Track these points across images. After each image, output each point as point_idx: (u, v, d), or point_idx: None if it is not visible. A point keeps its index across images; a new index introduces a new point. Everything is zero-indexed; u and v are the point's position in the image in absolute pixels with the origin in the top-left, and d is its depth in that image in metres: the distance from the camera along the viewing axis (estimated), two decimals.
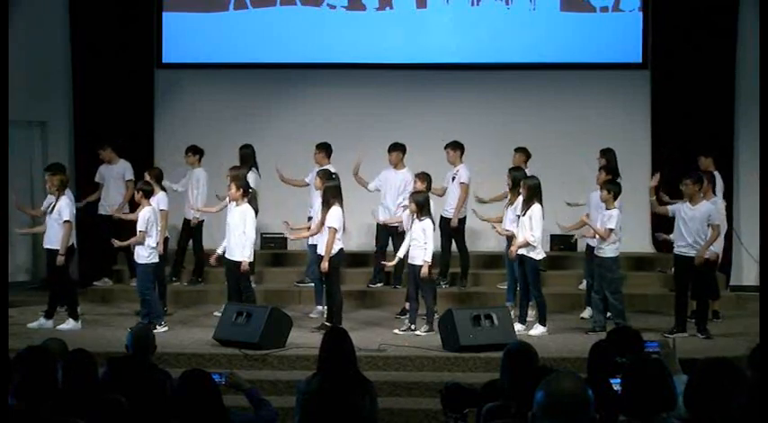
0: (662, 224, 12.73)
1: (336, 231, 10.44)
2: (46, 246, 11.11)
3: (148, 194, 10.90)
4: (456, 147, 12.37)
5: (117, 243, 11.09)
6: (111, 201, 12.98)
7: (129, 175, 12.98)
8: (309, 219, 11.82)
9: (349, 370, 5.99)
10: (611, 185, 10.72)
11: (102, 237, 12.51)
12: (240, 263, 10.62)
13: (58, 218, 10.83)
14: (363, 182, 12.37)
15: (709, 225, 10.49)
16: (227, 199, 11.19)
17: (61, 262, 10.81)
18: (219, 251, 10.87)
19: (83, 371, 5.41)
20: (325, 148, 12.41)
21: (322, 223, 10.63)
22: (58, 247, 10.83)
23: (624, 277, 11.55)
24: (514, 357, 5.38)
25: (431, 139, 12.97)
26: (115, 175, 13.07)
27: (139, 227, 10.73)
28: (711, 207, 10.63)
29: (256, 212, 10.93)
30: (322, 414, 5.79)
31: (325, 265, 10.48)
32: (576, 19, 13.89)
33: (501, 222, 11.31)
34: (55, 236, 10.89)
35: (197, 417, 4.90)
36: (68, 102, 14.09)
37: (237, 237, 10.60)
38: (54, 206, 10.88)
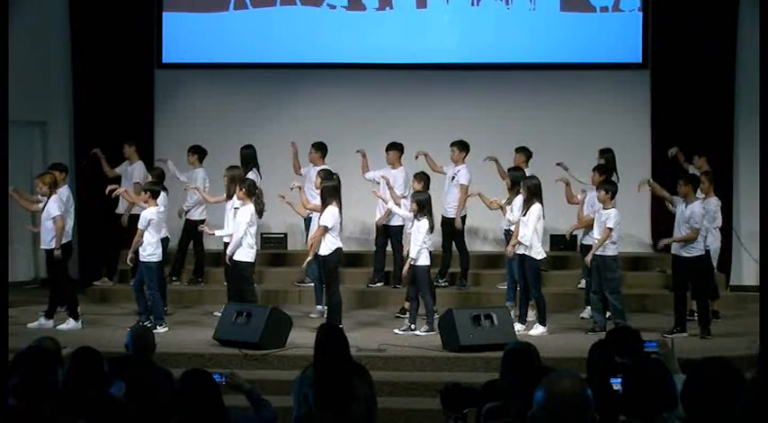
0: (661, 223, 12.78)
1: (327, 229, 10.46)
2: (42, 246, 11.20)
3: (156, 194, 10.94)
4: (462, 146, 12.36)
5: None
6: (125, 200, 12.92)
7: (137, 177, 12.91)
8: (309, 219, 11.82)
9: (343, 358, 6.00)
10: (608, 186, 10.74)
11: (111, 235, 12.61)
12: (243, 263, 10.65)
13: (47, 216, 10.89)
14: (366, 166, 12.36)
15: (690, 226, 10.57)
16: (225, 197, 11.32)
17: (58, 255, 10.85)
18: (218, 233, 11.06)
19: (88, 369, 5.45)
20: (321, 148, 12.43)
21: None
22: (52, 247, 10.89)
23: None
24: (514, 357, 5.38)
25: (430, 139, 12.97)
26: (129, 175, 13.04)
27: (139, 225, 10.78)
28: (695, 208, 10.59)
29: (261, 212, 11.01)
30: (320, 399, 5.82)
31: (306, 261, 10.78)
32: (575, 19, 13.90)
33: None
34: (48, 236, 10.94)
35: (197, 416, 4.90)
36: (68, 102, 14.10)
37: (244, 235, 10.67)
38: (44, 206, 10.94)
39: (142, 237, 10.72)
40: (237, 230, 10.63)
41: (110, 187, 11.78)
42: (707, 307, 10.76)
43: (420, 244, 10.57)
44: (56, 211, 10.85)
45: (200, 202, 12.52)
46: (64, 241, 11.03)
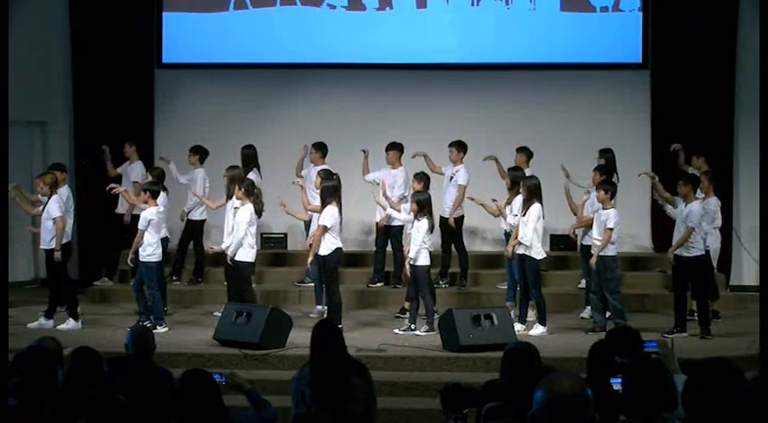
0: (660, 224, 12.79)
1: (326, 229, 10.47)
2: (41, 246, 11.21)
3: (155, 194, 10.93)
4: (460, 147, 12.36)
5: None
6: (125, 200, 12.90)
7: (135, 177, 12.94)
8: (309, 219, 11.82)
9: (340, 354, 5.99)
10: (607, 186, 10.73)
11: (111, 235, 12.60)
12: (244, 263, 10.66)
13: (48, 216, 10.89)
14: (366, 168, 12.35)
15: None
16: (225, 198, 11.31)
17: (58, 258, 10.85)
18: (223, 246, 10.89)
19: (88, 369, 5.45)
20: (321, 148, 12.43)
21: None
22: (52, 247, 10.89)
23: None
24: (514, 357, 5.38)
25: (430, 139, 12.97)
26: (129, 174, 13.06)
27: (140, 226, 10.79)
28: (693, 207, 10.58)
29: (260, 212, 11.02)
30: (318, 397, 5.81)
31: (309, 262, 10.75)
32: (575, 19, 13.90)
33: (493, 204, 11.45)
34: (48, 236, 10.93)
35: (197, 416, 4.91)
36: (68, 102, 14.11)
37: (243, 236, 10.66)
38: (44, 206, 10.95)
39: (143, 237, 10.73)
40: (238, 230, 10.63)
41: (111, 185, 11.83)
42: (707, 307, 10.75)
43: (419, 244, 10.57)
44: (56, 211, 10.85)
45: (201, 203, 12.55)
46: (64, 241, 11.03)
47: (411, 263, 10.61)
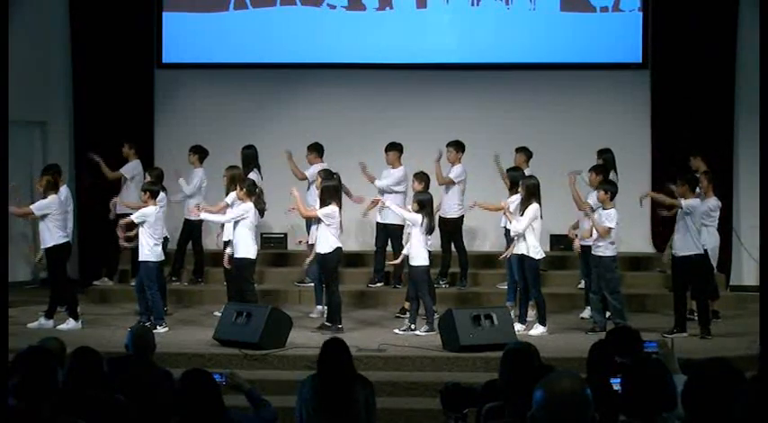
0: (660, 224, 12.80)
1: (320, 220, 10.51)
2: (41, 246, 11.23)
3: (155, 194, 10.95)
4: (458, 147, 12.38)
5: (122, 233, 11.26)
6: (125, 200, 12.88)
7: (125, 172, 12.97)
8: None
9: (346, 370, 6.04)
10: (607, 186, 10.73)
11: (111, 235, 12.62)
12: (245, 260, 10.67)
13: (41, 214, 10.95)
14: (371, 177, 12.34)
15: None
16: (226, 200, 11.31)
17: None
18: (229, 251, 10.91)
19: (88, 369, 5.45)
20: (316, 149, 12.45)
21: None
22: (51, 246, 10.92)
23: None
24: (514, 357, 5.38)
25: (430, 139, 12.96)
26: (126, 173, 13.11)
27: (133, 217, 10.80)
28: (690, 201, 10.57)
29: (263, 212, 11.05)
30: (320, 403, 5.84)
31: (301, 209, 10.84)
32: (575, 19, 13.90)
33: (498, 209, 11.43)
34: (47, 235, 10.95)
35: (197, 416, 4.91)
36: (68, 102, 14.11)
37: (244, 234, 10.66)
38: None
39: (134, 226, 10.79)
40: (226, 216, 10.75)
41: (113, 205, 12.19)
42: (707, 307, 10.76)
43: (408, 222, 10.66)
44: (36, 209, 10.90)
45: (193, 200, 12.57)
46: (62, 241, 11.02)
47: (411, 261, 10.62)
